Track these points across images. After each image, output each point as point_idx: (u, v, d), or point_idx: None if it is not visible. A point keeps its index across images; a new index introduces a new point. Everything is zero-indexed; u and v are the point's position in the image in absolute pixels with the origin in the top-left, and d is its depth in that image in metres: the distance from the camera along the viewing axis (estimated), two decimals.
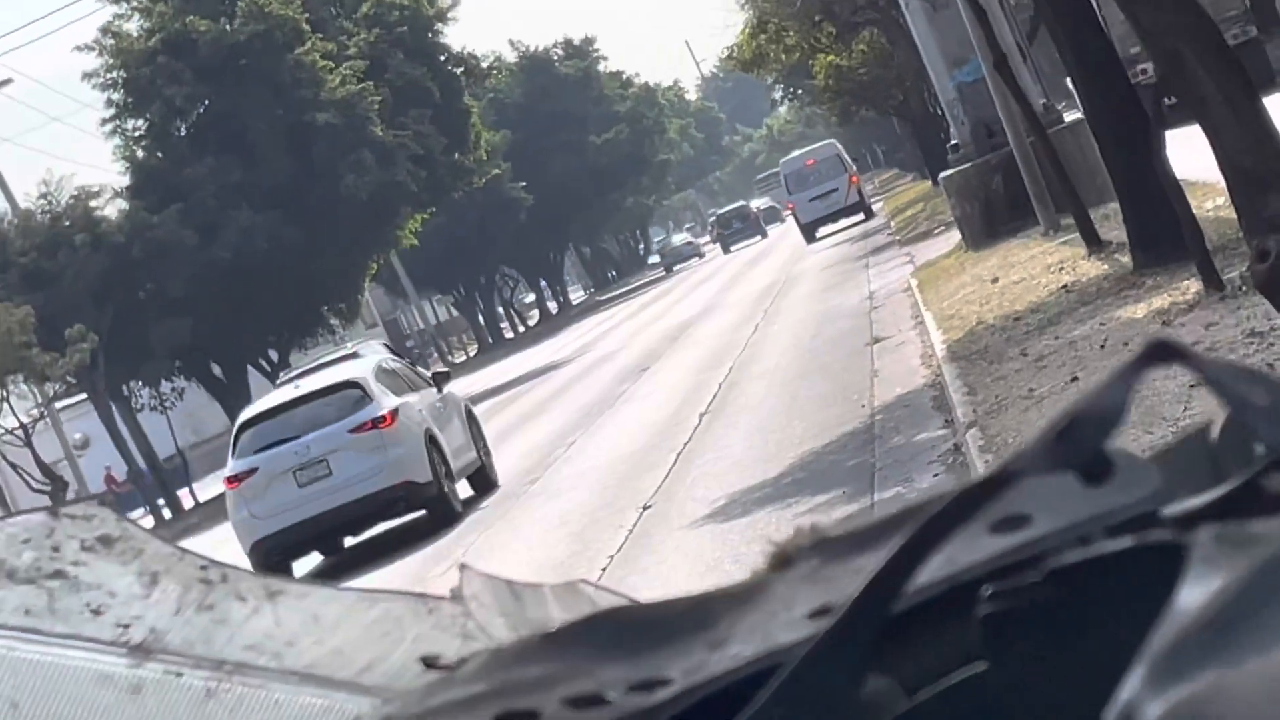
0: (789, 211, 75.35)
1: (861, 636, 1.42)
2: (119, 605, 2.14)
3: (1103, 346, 15.86)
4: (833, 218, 63.65)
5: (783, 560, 1.64)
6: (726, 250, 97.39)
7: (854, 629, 1.44)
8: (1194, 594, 1.33)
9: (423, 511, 24.69)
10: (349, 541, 26.25)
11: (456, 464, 25.18)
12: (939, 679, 1.52)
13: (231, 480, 26.16)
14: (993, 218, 30.94)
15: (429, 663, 1.93)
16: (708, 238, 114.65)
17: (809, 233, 63.89)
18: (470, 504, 25.09)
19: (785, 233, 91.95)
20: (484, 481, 26.33)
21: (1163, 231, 17.38)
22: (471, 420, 27.17)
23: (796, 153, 69.34)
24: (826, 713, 1.43)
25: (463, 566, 1.98)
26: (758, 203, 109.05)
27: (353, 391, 26.03)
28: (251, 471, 25.85)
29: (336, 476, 24.83)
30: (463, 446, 25.83)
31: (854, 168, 67.96)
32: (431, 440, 24.56)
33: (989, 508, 1.43)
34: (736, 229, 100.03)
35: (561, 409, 33.77)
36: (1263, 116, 11.88)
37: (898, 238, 44.31)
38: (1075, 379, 14.98)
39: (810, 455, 17.39)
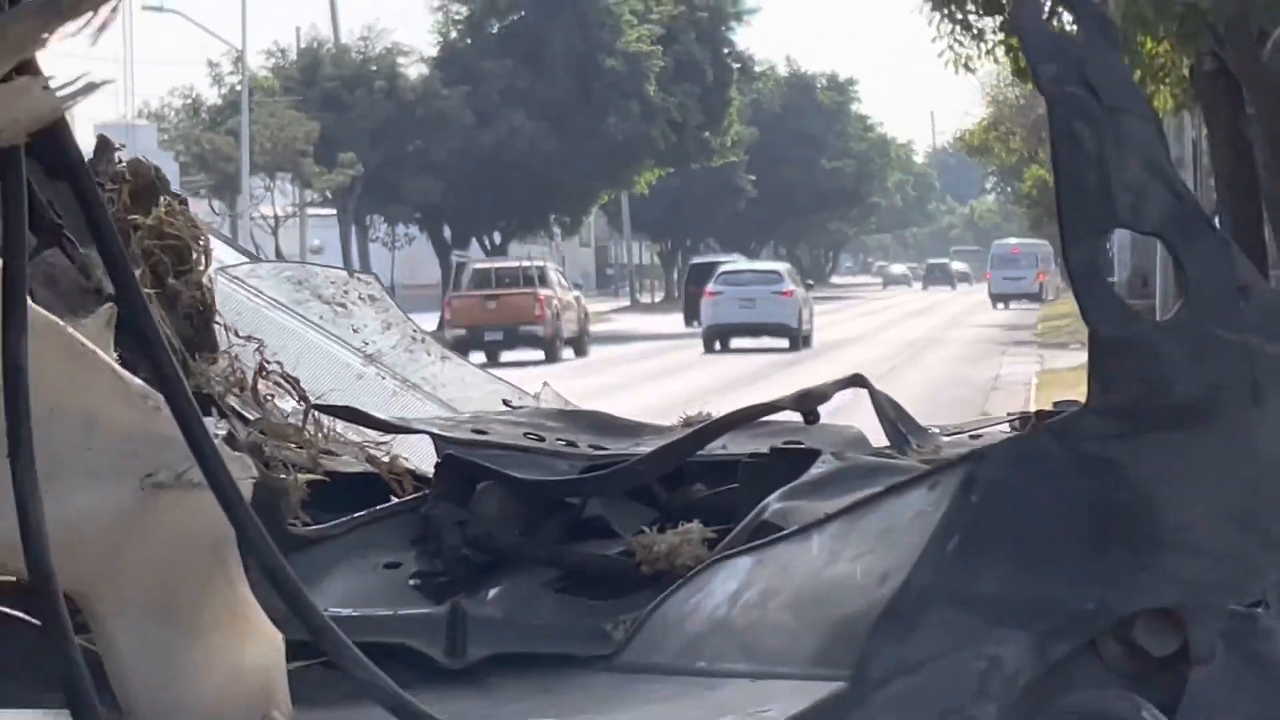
0: (985, 280, 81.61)
1: (678, 455, 2.73)
2: (366, 332, 3.23)
3: None
4: (1015, 297, 70.46)
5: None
6: (925, 288, 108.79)
7: (672, 453, 2.73)
8: (811, 472, 2.51)
9: (786, 341, 43.90)
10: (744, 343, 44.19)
11: (808, 326, 44.79)
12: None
13: (711, 293, 45.37)
14: None
15: (507, 402, 3.26)
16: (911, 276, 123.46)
17: (994, 300, 71.42)
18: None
19: (964, 295, 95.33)
20: (809, 341, 45.34)
21: None
22: (811, 310, 47.05)
23: (1009, 240, 73.04)
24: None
25: (545, 384, 3.66)
26: (955, 265, 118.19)
27: (775, 274, 47.44)
28: (720, 293, 45.10)
29: (758, 309, 43.78)
30: (810, 317, 45.83)
31: (1043, 267, 72.15)
32: (802, 307, 44.53)
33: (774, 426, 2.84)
34: (937, 276, 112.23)
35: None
36: None
37: (1039, 339, 44.31)
38: None
39: None
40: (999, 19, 22.42)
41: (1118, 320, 2.06)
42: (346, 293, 3.26)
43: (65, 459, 1.74)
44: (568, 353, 41.02)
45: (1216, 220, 26.25)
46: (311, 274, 3.41)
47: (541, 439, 2.67)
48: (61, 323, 1.97)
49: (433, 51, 58.90)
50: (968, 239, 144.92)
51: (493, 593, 2.49)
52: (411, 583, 2.56)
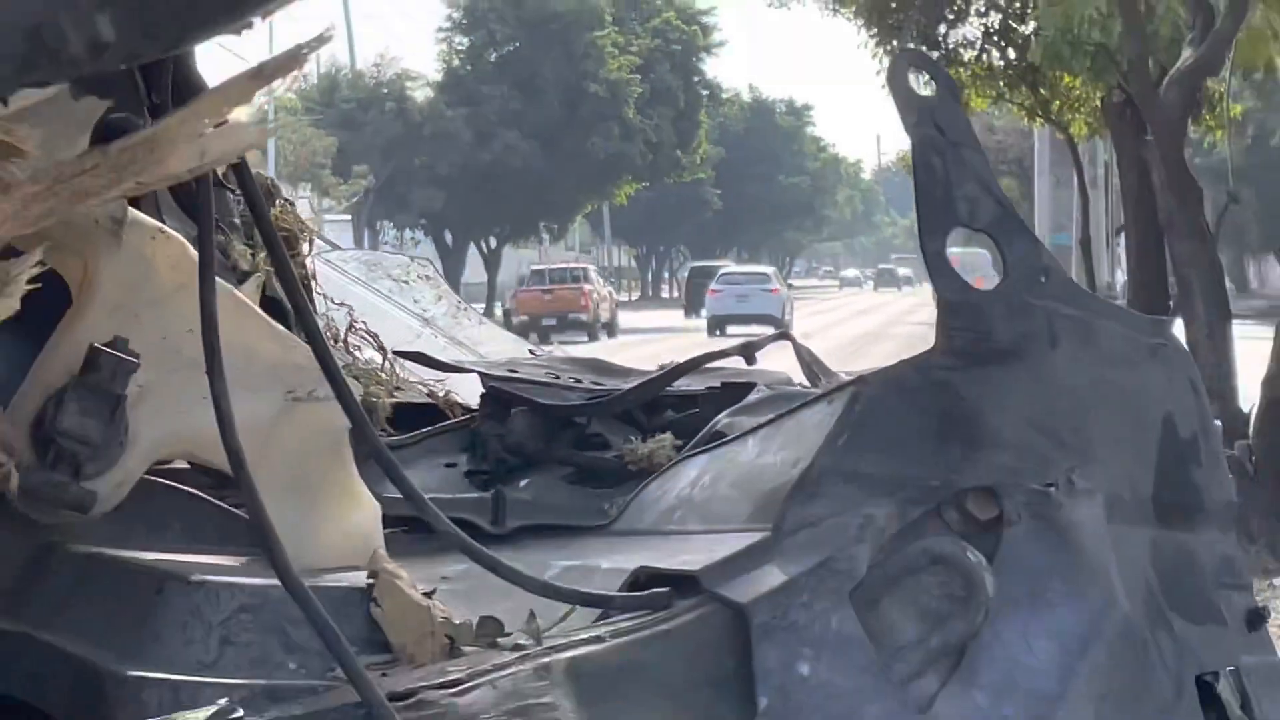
0: (925, 283, 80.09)
1: (654, 389, 2.98)
2: (424, 302, 3.61)
3: None
4: None
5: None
6: (876, 289, 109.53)
7: (650, 388, 2.97)
8: (749, 398, 2.83)
9: (772, 329, 40.77)
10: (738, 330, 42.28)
11: (789, 318, 45.68)
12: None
13: (714, 291, 48.42)
14: None
15: (531, 351, 3.63)
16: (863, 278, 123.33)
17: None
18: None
19: (908, 295, 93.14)
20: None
21: None
22: (791, 305, 50.89)
23: (953, 249, 71.83)
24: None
25: (556, 343, 4.05)
26: (901, 270, 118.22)
27: (765, 275, 51.11)
28: (721, 290, 48.20)
29: (751, 303, 46.62)
30: (791, 311, 48.47)
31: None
32: (785, 303, 47.96)
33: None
34: (886, 279, 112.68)
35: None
36: (1228, 342, 11.68)
37: None
38: None
39: None
40: (936, 53, 22.60)
41: (957, 289, 2.31)
42: (408, 273, 3.58)
43: (232, 380, 1.97)
44: (603, 335, 45.48)
45: (1122, 235, 25.85)
46: (381, 259, 3.79)
47: (558, 377, 3.06)
48: (230, 286, 2.25)
49: (437, 77, 58.42)
50: (908, 247, 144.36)
51: (523, 483, 2.85)
52: (465, 477, 2.94)
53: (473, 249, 61.84)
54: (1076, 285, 2.41)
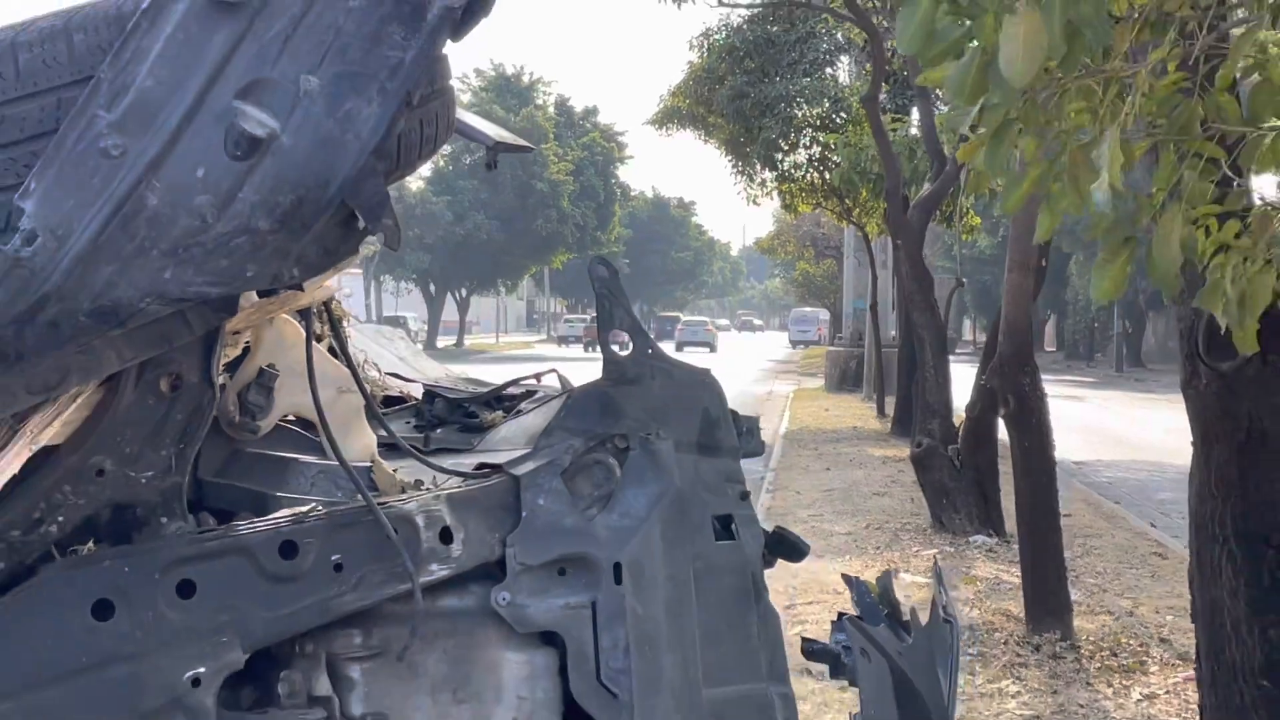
0: (768, 328, 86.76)
1: (490, 395, 2.90)
2: (399, 349, 3.56)
3: (851, 460, 15.92)
4: (804, 342, 66.41)
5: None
6: (739, 331, 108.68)
7: (489, 394, 2.90)
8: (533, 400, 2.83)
9: (709, 349, 54.71)
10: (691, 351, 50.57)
11: (717, 345, 52.64)
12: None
13: (679, 329, 60.17)
14: (843, 379, 30.06)
15: (448, 373, 3.31)
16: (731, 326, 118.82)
17: (793, 344, 68.74)
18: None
19: (761, 338, 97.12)
20: (715, 349, 58.52)
21: (905, 416, 17.23)
22: (716, 337, 60.31)
23: (803, 309, 68.52)
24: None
25: (553, 369, 3.24)
26: (756, 320, 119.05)
27: (705, 321, 60.10)
28: (683, 328, 60.01)
29: (698, 335, 57.16)
30: (716, 341, 56.37)
31: (821, 325, 68.39)
32: (715, 337, 55.83)
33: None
34: (745, 325, 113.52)
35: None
36: (947, 380, 11.62)
37: (799, 370, 43.62)
38: (828, 468, 15.04)
39: None
40: (774, 173, 21.95)
41: (613, 357, 2.49)
42: (393, 335, 3.60)
43: (320, 381, 2.35)
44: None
45: (901, 305, 25.33)
46: (381, 329, 3.76)
47: (457, 385, 3.16)
48: (317, 344, 2.54)
49: (427, 174, 58.62)
50: (763, 306, 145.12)
51: (438, 431, 2.91)
52: (414, 429, 2.94)
53: (450, 297, 61.77)
54: (664, 354, 2.55)
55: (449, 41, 1.99)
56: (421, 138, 2.13)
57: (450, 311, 65.43)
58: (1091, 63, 2.34)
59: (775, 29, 20.12)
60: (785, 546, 2.73)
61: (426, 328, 61.15)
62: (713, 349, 61.92)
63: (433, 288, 60.22)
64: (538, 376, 3.06)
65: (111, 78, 1.79)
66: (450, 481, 2.38)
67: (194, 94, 1.81)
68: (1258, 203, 2.72)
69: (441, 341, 61.24)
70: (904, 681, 2.63)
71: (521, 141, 2.89)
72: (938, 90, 12.60)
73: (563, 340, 66.17)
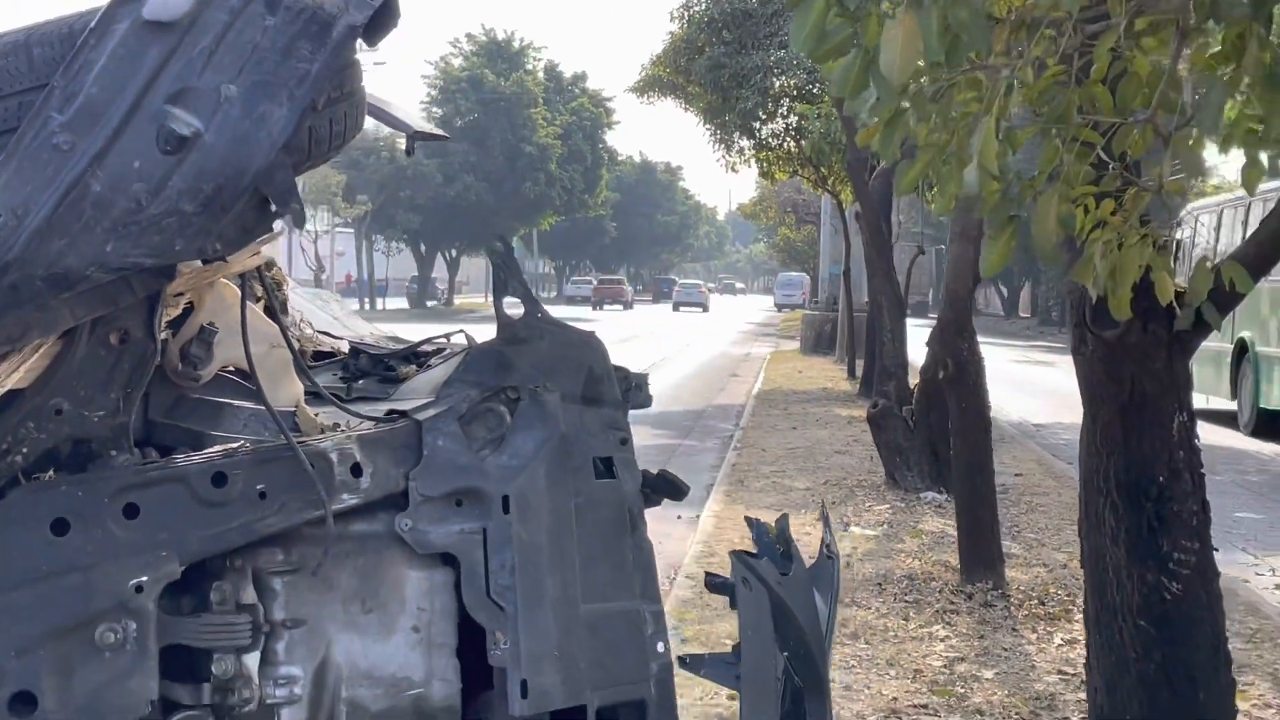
0: (750, 290, 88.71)
1: (407, 351, 2.88)
2: (333, 310, 3.52)
3: (818, 420, 15.61)
4: (789, 305, 64.48)
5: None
6: (720, 294, 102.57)
7: (406, 350, 2.91)
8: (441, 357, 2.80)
9: (702, 310, 59.39)
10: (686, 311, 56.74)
11: (710, 304, 55.34)
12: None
13: (677, 290, 65.87)
14: (818, 342, 29.60)
15: (374, 331, 3.35)
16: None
17: (778, 307, 67.08)
18: None
19: (743, 300, 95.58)
20: (708, 309, 59.76)
21: (872, 377, 15.88)
22: (709, 298, 63.77)
23: (789, 273, 67.67)
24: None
25: (461, 330, 3.18)
26: (738, 284, 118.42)
27: (699, 284, 66.22)
28: (679, 289, 65.96)
29: (694, 296, 61.89)
30: (709, 301, 58.16)
31: (805, 289, 67.04)
32: (708, 298, 59.97)
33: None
34: (728, 288, 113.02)
35: None
36: (903, 343, 11.54)
37: (777, 333, 42.62)
38: (795, 427, 14.73)
39: (672, 418, 16.12)
40: (752, 141, 21.71)
41: (507, 319, 2.57)
42: (328, 299, 3.62)
43: (250, 340, 2.48)
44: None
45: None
46: (319, 293, 3.78)
47: (380, 342, 3.21)
48: (253, 305, 2.63)
49: None
50: (747, 270, 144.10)
51: (360, 382, 2.96)
52: (340, 381, 2.97)
53: (440, 257, 61.40)
54: (553, 318, 2.63)
55: (366, 47, 2.26)
56: (330, 134, 2.34)
57: (439, 269, 64.92)
58: (976, 58, 2.47)
59: (754, 3, 20.23)
60: (668, 486, 2.85)
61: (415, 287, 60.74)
62: (705, 309, 64.60)
63: (423, 247, 59.80)
64: (447, 336, 3.18)
65: (64, 85, 2.06)
66: (363, 425, 2.53)
67: (132, 99, 2.07)
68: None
69: (431, 302, 61.14)
70: (782, 609, 2.74)
71: (439, 131, 3.06)
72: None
73: (570, 300, 68.57)
